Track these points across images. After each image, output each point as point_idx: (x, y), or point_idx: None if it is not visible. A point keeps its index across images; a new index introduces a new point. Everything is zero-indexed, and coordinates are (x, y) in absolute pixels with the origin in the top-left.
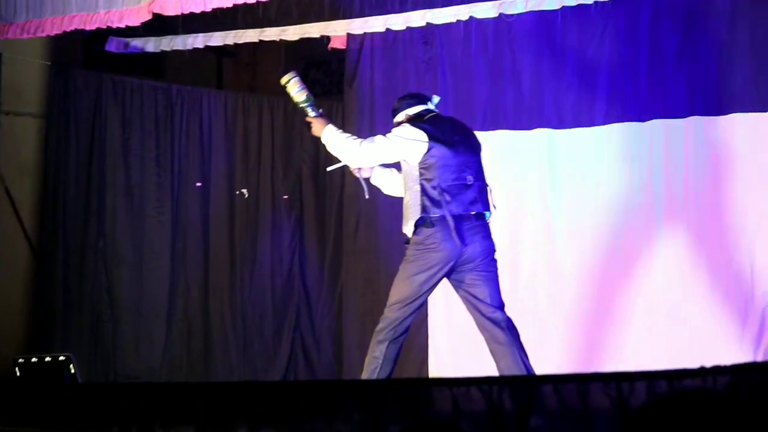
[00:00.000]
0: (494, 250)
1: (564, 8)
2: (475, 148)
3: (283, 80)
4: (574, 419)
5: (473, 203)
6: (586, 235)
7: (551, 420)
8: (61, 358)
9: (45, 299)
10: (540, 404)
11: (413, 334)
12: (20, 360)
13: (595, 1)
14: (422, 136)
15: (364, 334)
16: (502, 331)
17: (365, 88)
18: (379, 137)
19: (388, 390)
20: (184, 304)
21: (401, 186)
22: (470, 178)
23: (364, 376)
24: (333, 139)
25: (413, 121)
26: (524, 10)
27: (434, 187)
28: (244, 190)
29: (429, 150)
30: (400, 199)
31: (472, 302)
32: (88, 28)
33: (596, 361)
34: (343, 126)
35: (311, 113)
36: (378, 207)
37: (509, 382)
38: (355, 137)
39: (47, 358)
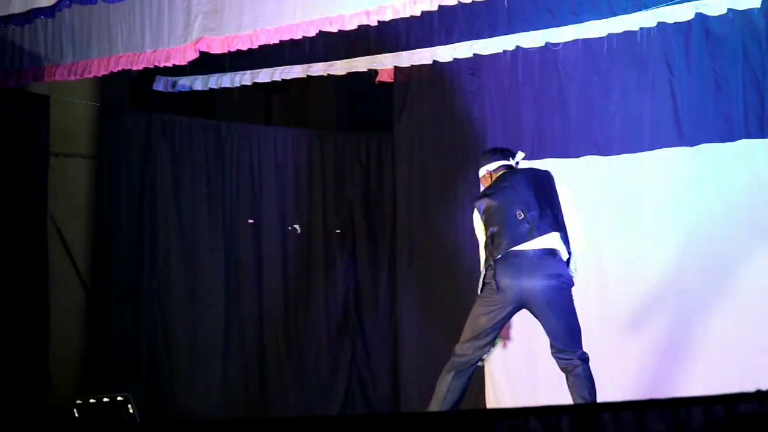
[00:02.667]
0: (563, 287)
1: (609, 35)
2: (528, 184)
3: None
4: None
5: (529, 233)
6: (636, 261)
7: None
8: (119, 398)
9: (100, 339)
10: None
11: None
12: (78, 401)
13: (640, 28)
14: (480, 202)
15: (420, 366)
16: (567, 372)
17: (414, 120)
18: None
19: (445, 422)
20: (239, 340)
21: None
22: (521, 213)
23: (432, 406)
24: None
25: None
26: (570, 39)
27: (490, 235)
28: (297, 226)
29: (480, 208)
30: (453, 228)
31: (547, 336)
32: (135, 68)
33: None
34: (393, 158)
35: None
36: (431, 238)
37: (567, 411)
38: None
39: (105, 399)
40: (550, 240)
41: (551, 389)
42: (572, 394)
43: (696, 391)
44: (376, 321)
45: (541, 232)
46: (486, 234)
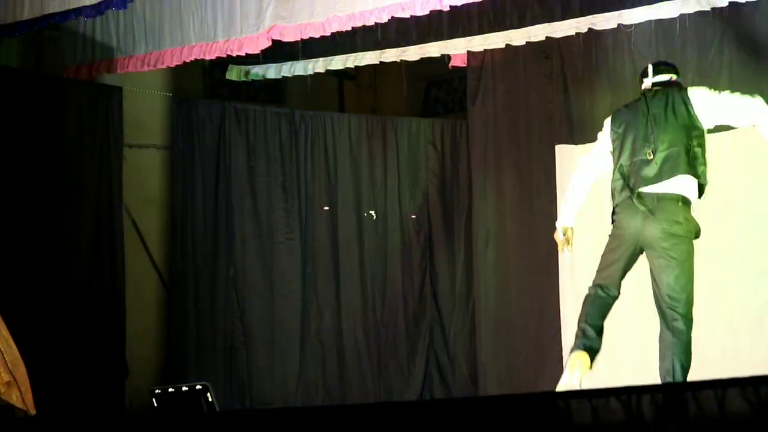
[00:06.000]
0: (679, 235)
1: (682, 16)
2: (668, 117)
3: None
4: (714, 426)
5: (654, 179)
6: (720, 243)
7: (690, 427)
8: (198, 386)
9: (178, 329)
10: (679, 412)
11: (548, 346)
12: (157, 391)
13: (712, 8)
14: (606, 124)
15: (498, 350)
16: (666, 328)
17: (488, 104)
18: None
19: (526, 404)
20: (316, 328)
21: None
22: (650, 153)
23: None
24: (565, 202)
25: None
26: (643, 20)
27: (617, 170)
28: (372, 212)
29: (611, 134)
30: (529, 211)
31: (653, 287)
32: (207, 57)
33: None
34: (468, 143)
35: None
36: (506, 223)
37: (647, 391)
38: (571, 182)
39: (184, 388)
40: (677, 183)
41: (630, 372)
42: (661, 361)
43: None
44: (454, 305)
45: (668, 175)
46: (614, 160)
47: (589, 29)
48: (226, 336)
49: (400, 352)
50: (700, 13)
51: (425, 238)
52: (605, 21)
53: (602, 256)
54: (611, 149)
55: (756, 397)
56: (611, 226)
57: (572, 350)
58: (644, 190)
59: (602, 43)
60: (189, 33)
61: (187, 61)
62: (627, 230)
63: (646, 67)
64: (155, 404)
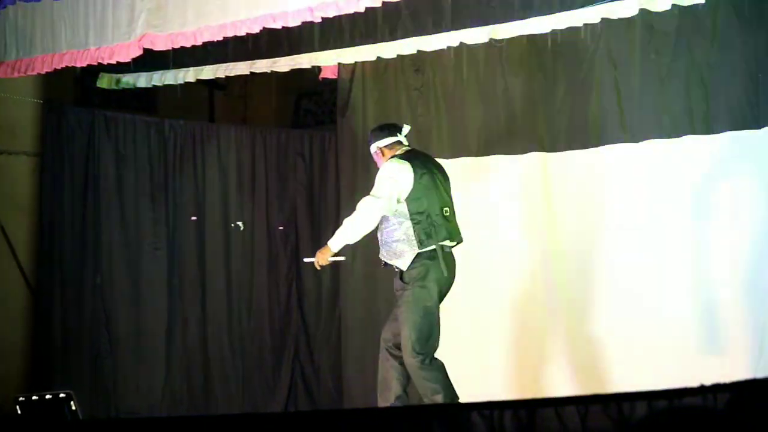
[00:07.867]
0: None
1: (554, 31)
2: (448, 179)
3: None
4: None
5: (454, 234)
6: (582, 257)
7: None
8: (62, 395)
9: (44, 337)
10: (541, 427)
11: None
12: (21, 398)
13: (584, 24)
14: (409, 169)
15: (364, 363)
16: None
17: (358, 117)
18: (372, 198)
19: (389, 417)
20: (182, 337)
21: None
22: (447, 210)
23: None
24: (339, 237)
25: (388, 152)
26: (514, 35)
27: (425, 220)
28: (240, 223)
29: (416, 183)
30: None
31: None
32: (78, 65)
33: (598, 384)
34: (337, 156)
35: None
36: (374, 234)
37: (510, 406)
38: (349, 217)
39: (47, 396)
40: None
41: (499, 384)
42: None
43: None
44: (319, 318)
45: (459, 237)
46: (410, 212)
47: (461, 43)
48: (92, 344)
49: (266, 364)
50: (571, 29)
51: (292, 250)
52: (476, 35)
53: (421, 326)
54: (411, 197)
55: (618, 413)
56: (414, 286)
57: None
58: (445, 244)
59: (473, 58)
60: (60, 40)
61: (58, 68)
62: (437, 285)
63: (391, 125)
64: (19, 412)
